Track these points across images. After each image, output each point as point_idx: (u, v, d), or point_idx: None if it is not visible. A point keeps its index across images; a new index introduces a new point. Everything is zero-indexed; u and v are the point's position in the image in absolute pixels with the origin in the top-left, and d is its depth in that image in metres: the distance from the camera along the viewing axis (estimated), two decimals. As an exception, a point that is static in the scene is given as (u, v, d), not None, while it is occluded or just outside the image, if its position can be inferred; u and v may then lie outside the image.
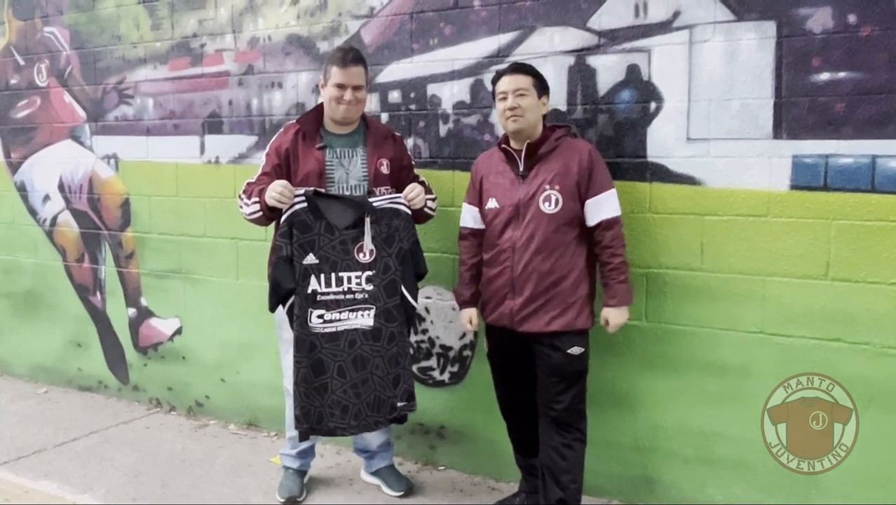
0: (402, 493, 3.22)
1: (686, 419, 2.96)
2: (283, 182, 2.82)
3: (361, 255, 2.87)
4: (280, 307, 2.94)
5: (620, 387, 3.06)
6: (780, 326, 2.76)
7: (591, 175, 2.69)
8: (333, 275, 2.86)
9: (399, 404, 2.96)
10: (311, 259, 2.85)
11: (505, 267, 2.74)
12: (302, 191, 2.84)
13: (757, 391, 2.81)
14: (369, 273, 2.89)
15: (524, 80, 2.71)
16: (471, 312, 2.95)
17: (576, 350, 2.71)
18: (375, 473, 3.32)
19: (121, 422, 4.13)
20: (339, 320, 2.88)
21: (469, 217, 2.92)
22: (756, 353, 2.81)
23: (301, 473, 3.29)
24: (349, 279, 2.88)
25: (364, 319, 2.90)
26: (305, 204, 2.82)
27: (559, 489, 2.74)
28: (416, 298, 2.98)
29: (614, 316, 2.71)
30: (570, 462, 2.75)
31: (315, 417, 2.89)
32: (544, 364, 2.74)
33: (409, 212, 2.91)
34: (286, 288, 2.85)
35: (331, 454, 3.66)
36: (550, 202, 2.67)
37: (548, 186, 2.67)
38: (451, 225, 3.20)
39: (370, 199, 2.88)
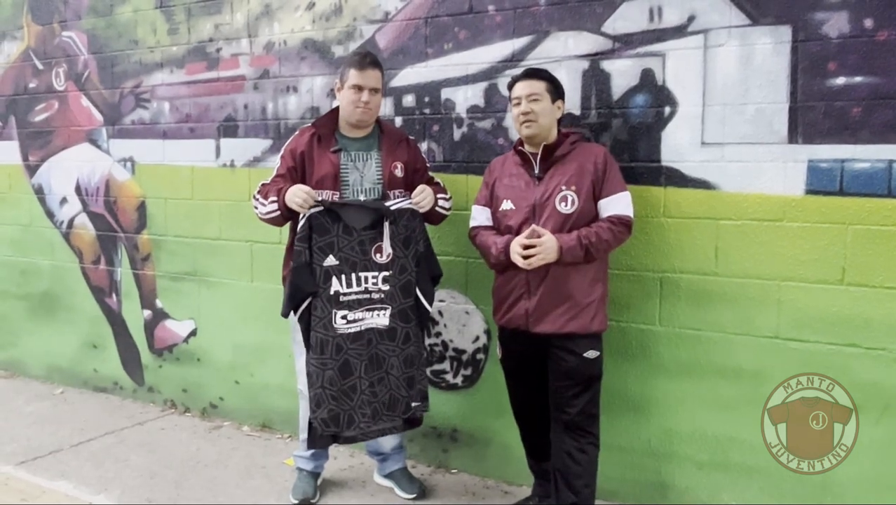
0: (414, 495, 3.23)
1: (700, 424, 2.95)
2: (307, 188, 2.83)
3: (378, 255, 2.89)
4: (292, 313, 2.94)
5: (634, 391, 3.05)
6: (795, 331, 2.75)
7: (605, 176, 2.70)
8: (354, 275, 2.88)
9: (413, 404, 2.99)
10: (331, 261, 2.86)
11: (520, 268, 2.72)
12: (321, 199, 2.85)
13: (772, 396, 2.80)
14: (386, 273, 2.91)
15: (538, 86, 2.72)
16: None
17: (591, 354, 2.70)
18: (388, 476, 3.33)
19: (136, 423, 4.17)
20: (362, 320, 2.91)
21: (482, 217, 2.88)
22: (771, 357, 2.79)
23: (314, 474, 3.30)
24: (366, 279, 2.90)
25: (380, 319, 2.92)
26: (322, 207, 2.84)
27: (572, 494, 2.73)
28: (430, 301, 3.00)
29: (549, 238, 2.59)
30: (584, 466, 2.74)
31: (345, 421, 2.91)
32: (558, 367, 2.74)
33: (420, 213, 2.94)
34: (307, 292, 2.86)
35: (344, 456, 3.67)
36: (567, 202, 2.68)
37: (564, 187, 2.68)
38: (464, 228, 3.18)
39: (387, 204, 2.89)
